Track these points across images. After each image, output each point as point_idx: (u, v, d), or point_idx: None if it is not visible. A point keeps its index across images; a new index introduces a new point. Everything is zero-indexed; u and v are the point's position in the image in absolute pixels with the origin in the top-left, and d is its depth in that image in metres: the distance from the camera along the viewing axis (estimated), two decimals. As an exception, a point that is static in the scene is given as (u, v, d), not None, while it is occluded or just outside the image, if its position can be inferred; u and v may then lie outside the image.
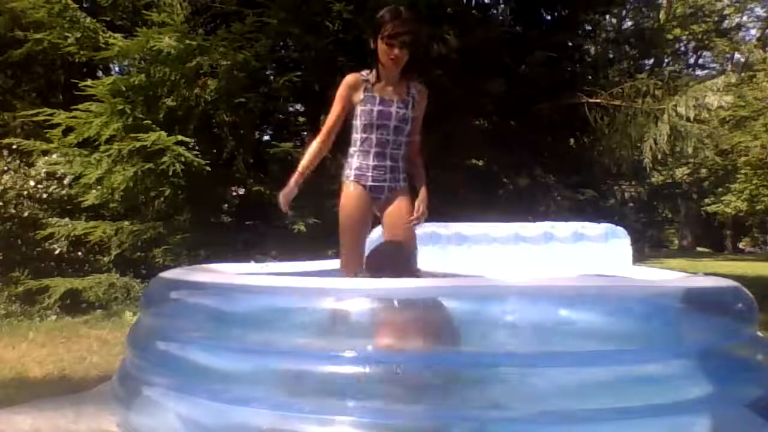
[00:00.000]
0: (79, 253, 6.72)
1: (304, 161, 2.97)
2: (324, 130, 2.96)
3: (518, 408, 1.89)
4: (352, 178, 2.93)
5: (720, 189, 23.98)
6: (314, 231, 6.16)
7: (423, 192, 2.94)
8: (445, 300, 2.10)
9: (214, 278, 2.50)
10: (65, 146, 6.19)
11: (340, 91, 2.93)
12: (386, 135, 2.89)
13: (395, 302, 2.02)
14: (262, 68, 6.69)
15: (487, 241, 4.42)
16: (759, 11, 23.16)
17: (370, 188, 2.91)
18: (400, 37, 2.75)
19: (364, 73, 2.93)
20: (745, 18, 23.61)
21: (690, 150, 8.39)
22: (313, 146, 2.99)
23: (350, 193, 2.92)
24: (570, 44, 9.14)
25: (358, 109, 2.89)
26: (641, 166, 8.46)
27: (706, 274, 2.93)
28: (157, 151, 5.71)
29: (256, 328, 2.17)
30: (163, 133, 5.70)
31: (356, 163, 2.93)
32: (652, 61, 14.70)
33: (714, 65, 23.99)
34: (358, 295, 2.05)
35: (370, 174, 2.90)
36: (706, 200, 25.11)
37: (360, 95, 2.89)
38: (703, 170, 24.17)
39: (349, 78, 2.93)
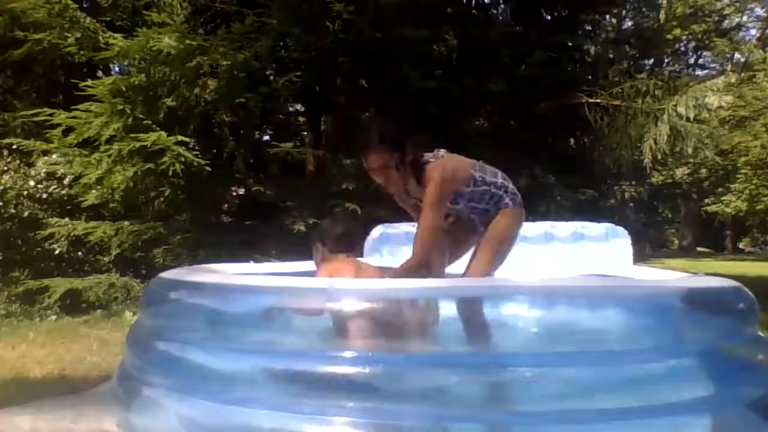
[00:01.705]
0: (79, 253, 6.72)
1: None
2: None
3: (518, 408, 1.89)
4: None
5: (720, 189, 23.96)
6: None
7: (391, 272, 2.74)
8: (445, 300, 2.10)
9: (214, 278, 2.50)
10: (65, 146, 6.19)
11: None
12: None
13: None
14: (262, 68, 6.69)
15: (488, 241, 4.40)
16: (759, 11, 23.14)
17: None
18: (371, 171, 2.71)
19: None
20: (745, 18, 23.61)
21: (690, 150, 8.41)
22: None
23: None
24: (570, 44, 9.16)
25: None
26: (641, 166, 8.48)
27: (707, 274, 2.93)
28: (157, 151, 5.71)
29: (255, 329, 2.17)
30: (163, 133, 5.70)
31: None
32: (652, 61, 14.73)
33: (714, 65, 23.98)
34: (356, 296, 2.05)
35: None
36: (706, 200, 25.08)
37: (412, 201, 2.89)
38: (703, 170, 24.13)
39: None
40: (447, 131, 7.46)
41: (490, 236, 2.80)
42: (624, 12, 17.07)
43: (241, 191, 7.27)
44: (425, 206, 2.64)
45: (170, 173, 5.72)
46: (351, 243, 2.81)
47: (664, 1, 19.12)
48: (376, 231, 4.56)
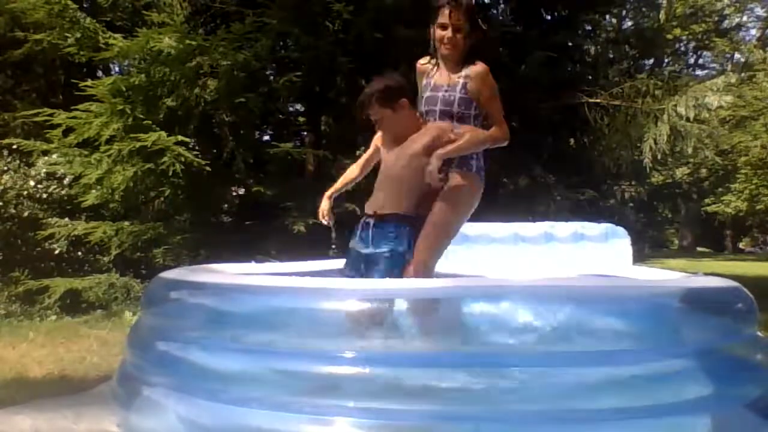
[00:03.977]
0: (79, 253, 6.71)
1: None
2: None
3: (518, 408, 1.89)
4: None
5: (720, 189, 23.98)
6: (314, 231, 6.16)
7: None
8: (445, 300, 2.10)
9: (214, 278, 2.50)
10: (65, 146, 6.18)
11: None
12: (433, 121, 2.78)
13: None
14: (262, 68, 6.69)
15: (487, 241, 4.42)
16: (759, 11, 23.18)
17: None
18: (450, 23, 2.75)
19: (434, 61, 2.87)
20: (745, 18, 23.64)
21: (690, 150, 8.41)
22: None
23: None
24: (570, 44, 9.14)
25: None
26: (641, 166, 8.48)
27: (706, 274, 2.93)
28: (157, 151, 5.71)
29: (256, 328, 2.17)
30: (163, 133, 5.69)
31: None
32: (652, 61, 14.72)
33: (714, 65, 23.98)
34: (357, 296, 2.05)
35: None
36: (706, 200, 25.09)
37: (423, 82, 2.89)
38: (703, 170, 24.17)
39: (418, 65, 2.93)
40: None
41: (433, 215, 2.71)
42: (624, 12, 17.04)
43: (241, 191, 7.26)
44: (487, 106, 2.79)
45: (170, 173, 5.72)
46: None
47: (664, 1, 19.11)
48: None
